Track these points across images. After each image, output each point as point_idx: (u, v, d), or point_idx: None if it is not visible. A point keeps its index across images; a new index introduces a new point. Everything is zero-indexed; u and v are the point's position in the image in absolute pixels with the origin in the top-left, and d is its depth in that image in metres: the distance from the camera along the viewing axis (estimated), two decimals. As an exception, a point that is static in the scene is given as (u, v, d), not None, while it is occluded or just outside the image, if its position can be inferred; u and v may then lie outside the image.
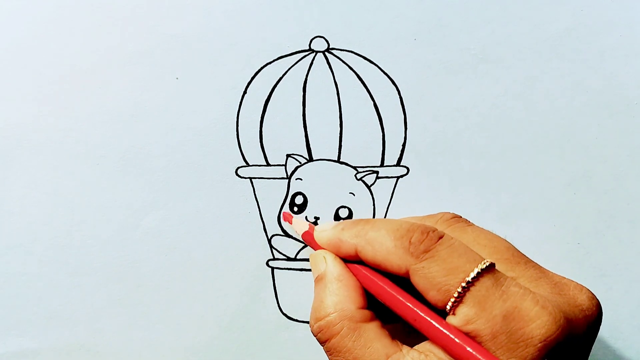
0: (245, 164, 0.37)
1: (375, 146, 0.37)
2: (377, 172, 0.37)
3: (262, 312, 0.38)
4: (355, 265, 0.30)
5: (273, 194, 0.38)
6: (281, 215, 0.38)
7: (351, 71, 0.37)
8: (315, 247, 0.33)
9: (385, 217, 0.38)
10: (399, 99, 0.37)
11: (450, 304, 0.26)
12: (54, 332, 0.38)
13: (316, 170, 0.37)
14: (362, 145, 0.37)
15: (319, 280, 0.31)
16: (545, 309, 0.25)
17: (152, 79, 0.37)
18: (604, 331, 0.38)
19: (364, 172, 0.37)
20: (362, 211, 0.38)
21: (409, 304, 0.27)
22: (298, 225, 0.35)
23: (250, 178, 0.37)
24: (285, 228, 0.38)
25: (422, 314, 0.27)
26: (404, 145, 0.37)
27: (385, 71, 0.37)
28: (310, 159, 0.37)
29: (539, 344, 0.25)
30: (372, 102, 0.37)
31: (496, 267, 0.27)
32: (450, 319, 0.26)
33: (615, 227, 0.37)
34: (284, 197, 0.38)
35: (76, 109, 0.37)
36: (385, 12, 0.37)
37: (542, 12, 0.37)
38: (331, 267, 0.31)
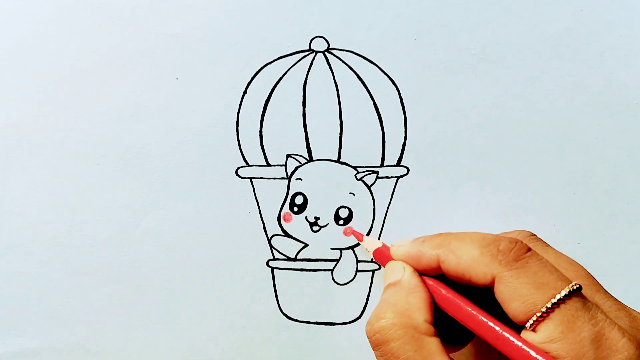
0: (245, 164, 0.37)
1: (375, 146, 0.37)
2: (377, 172, 0.37)
3: (262, 312, 0.38)
4: (433, 280, 0.30)
5: (273, 194, 0.38)
6: (281, 215, 0.38)
7: (351, 71, 0.37)
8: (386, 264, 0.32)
9: (385, 217, 0.38)
10: (399, 99, 0.37)
11: (534, 319, 0.25)
12: (54, 332, 0.38)
13: (316, 170, 0.37)
14: (362, 145, 0.37)
15: (391, 286, 0.30)
16: (632, 343, 0.25)
17: (152, 79, 0.37)
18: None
19: (364, 172, 0.37)
20: (362, 211, 0.38)
21: (487, 320, 0.27)
22: (369, 243, 0.35)
23: (250, 178, 0.37)
24: (285, 228, 0.38)
25: (501, 329, 0.26)
26: (404, 145, 0.37)
27: (385, 71, 0.37)
28: (310, 159, 0.37)
29: None
30: (372, 102, 0.37)
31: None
32: (530, 335, 0.26)
33: (615, 227, 0.37)
34: (284, 197, 0.38)
35: (76, 109, 0.37)
36: (385, 12, 0.37)
37: (542, 12, 0.37)
38: (408, 276, 0.30)
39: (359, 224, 0.38)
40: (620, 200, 0.37)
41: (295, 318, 0.38)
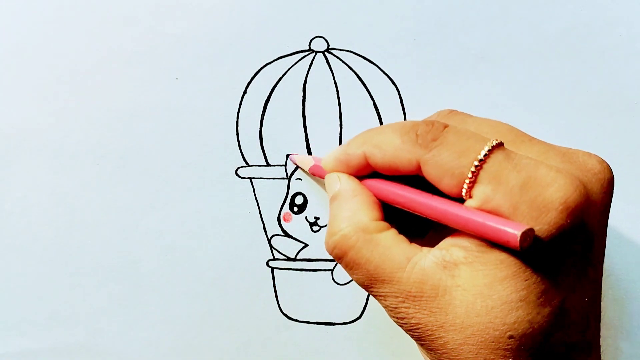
0: (245, 164, 0.37)
1: (375, 146, 0.37)
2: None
3: (262, 312, 0.38)
4: (369, 179, 0.30)
5: (273, 194, 0.38)
6: (281, 215, 0.38)
7: (351, 71, 0.37)
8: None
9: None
10: (399, 99, 0.37)
11: (465, 187, 0.26)
12: (54, 332, 0.38)
13: (316, 170, 0.37)
14: (362, 145, 0.37)
15: (333, 199, 0.30)
16: (560, 173, 0.25)
17: (152, 79, 0.37)
18: (604, 330, 0.38)
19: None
20: (362, 211, 0.38)
21: (424, 198, 0.27)
22: (302, 161, 0.35)
23: (250, 178, 0.38)
24: (285, 228, 0.38)
25: (438, 202, 0.26)
26: (404, 145, 0.37)
27: (385, 71, 0.37)
28: (310, 159, 0.37)
29: (560, 207, 0.24)
30: (372, 102, 0.37)
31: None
32: (468, 202, 0.26)
33: (615, 227, 0.37)
34: (284, 197, 0.38)
35: (76, 109, 0.37)
36: (385, 12, 0.37)
37: (542, 12, 0.37)
38: (344, 184, 0.30)
39: (359, 224, 0.38)
40: (620, 200, 0.37)
41: (295, 318, 0.38)
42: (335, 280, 0.38)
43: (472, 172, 0.25)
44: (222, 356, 0.38)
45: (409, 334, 0.27)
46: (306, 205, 0.38)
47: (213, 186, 0.38)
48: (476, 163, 0.25)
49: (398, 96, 0.37)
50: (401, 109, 0.37)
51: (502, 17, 0.37)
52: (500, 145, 0.26)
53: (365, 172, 0.30)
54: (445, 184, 0.26)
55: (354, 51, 0.37)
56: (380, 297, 0.28)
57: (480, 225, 0.25)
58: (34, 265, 0.38)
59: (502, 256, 0.25)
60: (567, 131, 0.37)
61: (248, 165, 0.37)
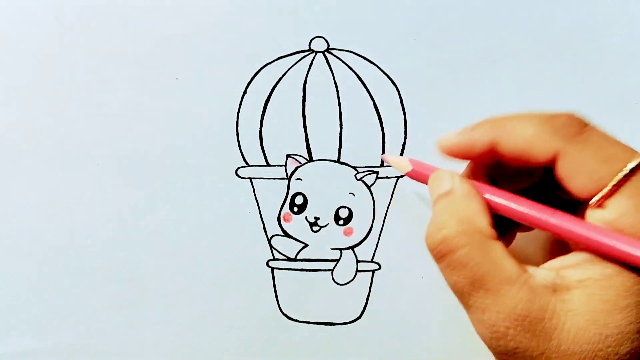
0: (245, 164, 0.37)
1: (375, 146, 0.37)
2: (377, 172, 0.37)
3: (262, 312, 0.38)
4: (486, 186, 0.28)
5: (273, 194, 0.38)
6: (281, 215, 0.38)
7: (351, 71, 0.37)
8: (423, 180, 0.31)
9: (385, 217, 0.38)
10: (399, 99, 0.37)
11: (601, 194, 0.24)
12: (54, 332, 0.38)
13: (316, 171, 0.37)
14: (362, 145, 0.37)
15: (442, 196, 0.28)
16: None
17: (152, 79, 0.37)
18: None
19: (364, 172, 0.37)
20: (362, 211, 0.38)
21: (550, 215, 0.25)
22: (396, 163, 0.33)
23: (250, 178, 0.38)
24: (285, 228, 0.38)
25: (567, 220, 0.25)
26: (403, 145, 0.37)
27: (385, 71, 0.37)
28: (310, 159, 0.37)
29: None
30: (372, 102, 0.37)
31: None
32: (597, 213, 0.24)
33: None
34: (284, 197, 0.38)
35: (76, 109, 0.37)
36: (385, 12, 0.37)
37: (542, 12, 0.37)
38: (459, 183, 0.28)
39: (359, 224, 0.38)
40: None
41: (295, 318, 0.38)
42: (335, 280, 0.38)
43: (618, 181, 0.24)
44: (222, 356, 0.38)
45: (501, 358, 0.25)
46: (306, 205, 0.38)
47: (213, 186, 0.38)
48: (624, 173, 0.24)
49: (398, 96, 0.37)
50: (401, 109, 0.37)
51: (502, 17, 0.37)
52: None
53: (486, 162, 0.28)
54: (578, 184, 0.25)
55: (354, 51, 0.37)
56: (478, 310, 0.25)
57: (612, 244, 0.23)
58: (34, 265, 0.38)
59: (628, 282, 0.23)
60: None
61: (248, 165, 0.37)
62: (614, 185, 0.24)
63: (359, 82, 0.37)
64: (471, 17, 0.37)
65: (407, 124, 0.37)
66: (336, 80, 0.37)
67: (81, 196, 0.38)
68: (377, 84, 0.37)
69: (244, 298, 0.38)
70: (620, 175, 0.24)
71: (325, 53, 0.37)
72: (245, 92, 0.37)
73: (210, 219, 0.38)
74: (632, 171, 0.24)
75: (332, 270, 0.38)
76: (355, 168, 0.37)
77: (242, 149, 0.37)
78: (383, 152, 0.37)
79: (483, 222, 0.26)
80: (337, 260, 0.38)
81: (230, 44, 0.37)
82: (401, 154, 0.37)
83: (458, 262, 0.25)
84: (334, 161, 0.37)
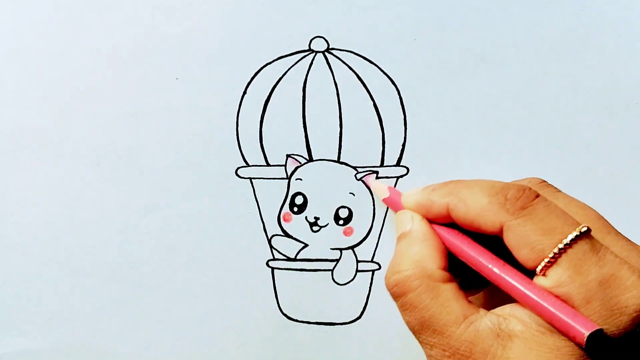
0: (245, 164, 0.37)
1: (375, 146, 0.37)
2: (377, 172, 0.37)
3: (262, 312, 0.38)
4: (442, 227, 0.30)
5: (273, 194, 0.38)
6: (281, 215, 0.38)
7: (351, 71, 0.37)
8: (397, 210, 0.33)
9: (385, 217, 0.38)
10: (399, 99, 0.37)
11: (542, 264, 0.25)
12: (54, 332, 0.38)
13: (316, 171, 0.37)
14: (362, 145, 0.37)
15: (402, 237, 0.30)
16: None
17: (152, 79, 0.37)
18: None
19: (364, 172, 0.37)
20: (362, 211, 0.38)
21: (496, 266, 0.27)
22: (378, 189, 0.35)
23: (250, 178, 0.38)
24: (285, 228, 0.38)
25: (510, 275, 0.26)
26: (403, 145, 0.37)
27: (385, 71, 0.37)
28: (310, 159, 0.37)
29: (634, 314, 0.24)
30: (372, 102, 0.37)
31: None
32: (540, 280, 0.26)
33: (615, 227, 0.37)
34: (284, 197, 0.38)
35: (76, 109, 0.37)
36: (385, 12, 0.37)
37: (542, 12, 0.37)
38: (417, 225, 0.30)
39: (359, 224, 0.38)
40: (620, 200, 0.37)
41: (295, 318, 0.38)
42: (335, 280, 0.38)
43: (555, 254, 0.25)
44: (222, 356, 0.38)
45: None
46: (306, 205, 0.38)
47: (213, 186, 0.38)
48: (561, 246, 0.25)
49: (398, 96, 0.37)
50: (401, 109, 0.37)
51: (502, 17, 0.37)
52: (588, 232, 0.26)
53: (443, 222, 0.30)
54: (522, 255, 0.26)
55: (354, 51, 0.37)
56: (427, 345, 0.28)
57: (548, 310, 0.25)
58: (34, 265, 0.38)
59: (560, 344, 0.25)
60: (567, 131, 0.37)
61: (248, 165, 0.37)
62: (552, 257, 0.25)
63: (359, 82, 0.37)
64: (471, 17, 0.37)
65: (407, 124, 0.37)
66: (336, 80, 0.37)
67: (81, 196, 0.38)
68: (377, 84, 0.37)
69: (244, 298, 0.38)
70: (558, 247, 0.25)
71: (325, 53, 0.37)
72: (245, 92, 0.37)
73: (210, 219, 0.38)
74: (570, 244, 0.25)
75: (332, 270, 0.38)
76: (355, 168, 0.37)
77: (242, 149, 0.37)
78: (383, 152, 0.37)
79: (434, 265, 0.29)
80: (337, 260, 0.38)
81: (230, 44, 0.37)
82: (401, 154, 0.37)
83: (409, 303, 0.28)
84: (334, 161, 0.37)
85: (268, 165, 0.37)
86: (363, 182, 0.37)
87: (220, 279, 0.38)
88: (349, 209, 0.38)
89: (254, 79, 0.37)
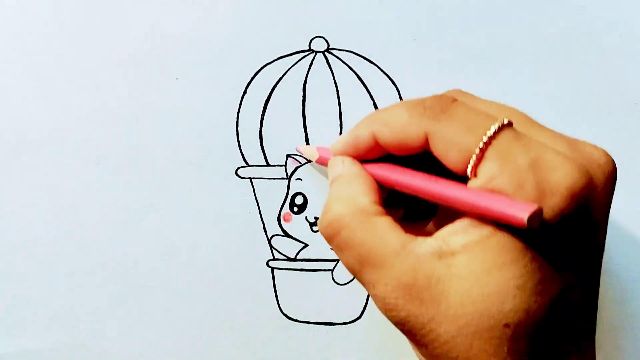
0: (245, 164, 0.37)
1: (375, 146, 0.37)
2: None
3: (262, 312, 0.38)
4: (372, 164, 0.30)
5: (273, 194, 0.38)
6: (281, 215, 0.38)
7: (351, 71, 0.37)
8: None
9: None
10: (399, 99, 0.37)
11: (471, 163, 0.25)
12: (54, 332, 0.38)
13: (316, 171, 0.37)
14: (362, 145, 0.37)
15: (333, 181, 0.30)
16: (567, 159, 0.24)
17: (152, 79, 0.37)
18: (604, 330, 0.38)
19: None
20: (362, 211, 0.38)
21: (429, 183, 0.27)
22: (307, 152, 0.35)
23: (250, 178, 0.38)
24: (285, 228, 0.38)
25: (443, 186, 0.26)
26: (404, 145, 0.37)
27: (385, 71, 0.37)
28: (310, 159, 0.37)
29: (566, 192, 0.24)
30: (372, 102, 0.37)
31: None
32: (473, 182, 0.25)
33: (615, 227, 0.37)
34: (284, 197, 0.38)
35: (76, 109, 0.37)
36: (385, 12, 0.37)
37: (542, 12, 0.37)
38: (348, 166, 0.30)
39: (359, 224, 0.38)
40: (620, 200, 0.37)
41: (295, 318, 0.38)
42: (335, 280, 0.38)
43: (480, 148, 0.25)
44: (222, 356, 0.38)
45: (399, 329, 0.26)
46: (306, 205, 0.38)
47: (213, 186, 0.38)
48: (485, 139, 0.25)
49: (398, 96, 0.37)
50: (401, 109, 0.37)
51: (502, 17, 0.37)
52: (509, 124, 0.25)
53: (376, 155, 0.29)
54: (451, 159, 0.26)
55: (354, 51, 0.37)
56: (369, 285, 0.26)
57: (486, 208, 0.24)
58: (34, 265, 0.38)
59: (502, 241, 0.24)
60: (567, 131, 0.37)
61: (248, 165, 0.37)
62: (479, 153, 0.25)
63: (359, 82, 0.37)
64: (471, 17, 0.37)
65: (407, 124, 0.37)
66: (336, 80, 0.37)
67: (81, 196, 0.38)
68: (377, 84, 0.37)
69: (244, 298, 0.38)
70: (482, 141, 0.25)
71: (325, 53, 0.37)
72: (245, 92, 0.37)
73: (210, 219, 0.38)
74: (493, 135, 0.25)
75: (332, 270, 0.38)
76: (355, 168, 0.37)
77: (242, 149, 0.37)
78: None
79: (365, 199, 0.27)
80: (337, 260, 0.38)
81: (230, 44, 0.37)
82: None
83: (344, 242, 0.27)
84: (334, 161, 0.37)
85: (268, 165, 0.37)
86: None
87: (220, 279, 0.38)
88: (349, 209, 0.38)
89: (254, 79, 0.37)
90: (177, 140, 0.37)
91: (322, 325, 0.38)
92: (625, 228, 0.38)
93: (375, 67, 0.37)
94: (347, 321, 0.38)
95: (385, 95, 0.37)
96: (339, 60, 0.37)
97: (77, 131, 0.37)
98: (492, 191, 0.24)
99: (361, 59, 0.37)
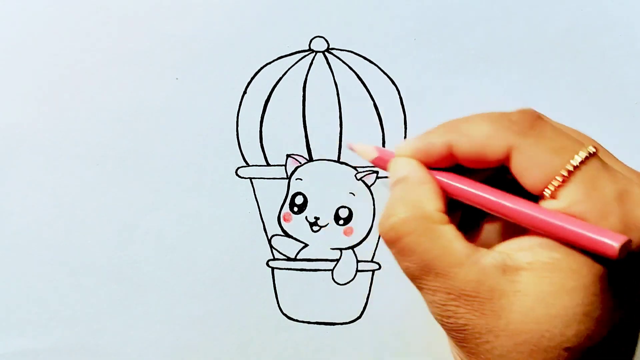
0: (245, 164, 0.37)
1: (375, 146, 0.37)
2: (377, 172, 0.37)
3: (262, 312, 0.38)
4: (441, 172, 0.28)
5: (273, 194, 0.38)
6: (281, 215, 0.38)
7: (351, 71, 0.37)
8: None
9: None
10: (398, 99, 0.37)
11: (553, 185, 0.24)
12: (54, 332, 0.38)
13: (316, 170, 0.37)
14: (362, 145, 0.37)
15: (398, 182, 0.28)
16: None
17: (152, 79, 0.37)
18: (604, 331, 0.38)
19: (364, 172, 0.37)
20: (362, 211, 0.38)
21: (503, 198, 0.26)
22: (363, 151, 0.32)
23: (250, 178, 0.38)
24: (285, 228, 0.38)
25: (519, 204, 0.25)
26: (404, 145, 0.37)
27: (385, 71, 0.37)
28: (310, 159, 0.37)
29: None
30: (372, 102, 0.37)
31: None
32: (550, 203, 0.25)
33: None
34: (284, 197, 0.38)
35: (76, 109, 0.37)
36: (385, 12, 0.37)
37: (542, 12, 0.37)
38: (414, 168, 0.28)
39: (359, 224, 0.38)
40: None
41: (295, 318, 0.38)
42: (335, 280, 0.38)
43: (568, 171, 0.24)
44: (222, 356, 0.38)
45: (452, 335, 0.26)
46: (306, 205, 0.38)
47: (213, 186, 0.38)
48: (575, 163, 0.24)
49: (398, 96, 0.37)
50: (401, 109, 0.37)
51: (502, 17, 0.37)
52: (596, 153, 0.25)
53: (444, 165, 0.28)
54: (531, 177, 0.25)
55: (354, 51, 0.37)
56: (429, 291, 0.26)
57: (571, 231, 0.24)
58: (34, 265, 0.38)
59: (575, 266, 0.24)
60: (567, 131, 0.37)
61: (248, 165, 0.37)
62: (565, 176, 0.24)
63: (359, 82, 0.37)
64: (471, 17, 0.37)
65: (407, 124, 0.37)
66: (336, 80, 0.37)
67: (81, 196, 0.38)
68: (377, 84, 0.37)
69: (244, 298, 0.38)
70: (570, 165, 0.24)
71: (325, 53, 0.37)
72: (245, 92, 0.37)
73: (210, 219, 0.38)
74: (582, 161, 0.24)
75: (332, 270, 0.38)
76: (355, 168, 0.37)
77: (242, 149, 0.37)
78: (383, 152, 0.37)
79: (432, 206, 0.27)
80: (337, 260, 0.38)
81: (230, 44, 0.37)
82: (401, 154, 0.37)
83: (407, 248, 0.26)
84: (334, 161, 0.37)
85: (268, 165, 0.37)
86: (363, 180, 0.37)
87: (220, 279, 0.38)
88: (349, 209, 0.38)
89: (254, 79, 0.37)
90: (177, 140, 0.37)
91: (322, 325, 0.38)
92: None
93: (375, 67, 0.37)
94: (347, 321, 0.38)
95: (385, 95, 0.37)
96: (339, 60, 0.37)
97: (77, 131, 0.37)
98: (575, 217, 0.24)
99: (361, 59, 0.37)
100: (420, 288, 0.27)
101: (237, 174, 0.38)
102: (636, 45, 0.37)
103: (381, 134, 0.37)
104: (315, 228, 0.38)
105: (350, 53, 0.37)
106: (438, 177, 0.28)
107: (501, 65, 0.37)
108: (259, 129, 0.37)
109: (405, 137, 0.37)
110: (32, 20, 0.37)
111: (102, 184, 0.38)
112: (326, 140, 0.37)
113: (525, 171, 0.25)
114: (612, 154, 0.28)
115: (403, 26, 0.37)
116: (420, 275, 0.26)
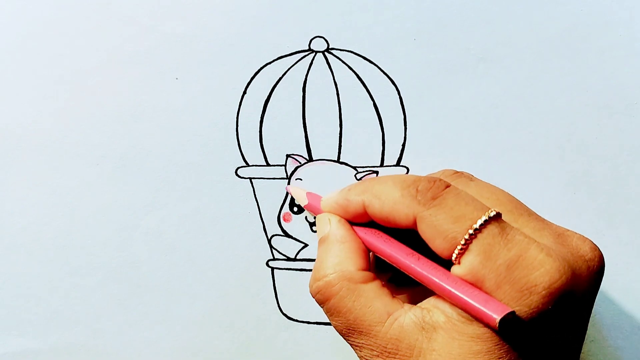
0: (245, 164, 0.37)
1: (375, 146, 0.37)
2: (377, 172, 0.37)
3: (262, 312, 0.38)
4: (361, 228, 0.30)
5: (273, 194, 0.38)
6: (281, 215, 0.38)
7: (351, 71, 0.37)
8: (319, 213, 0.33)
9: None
10: (398, 99, 0.37)
11: (456, 252, 0.26)
12: (54, 332, 0.38)
13: (316, 170, 0.37)
14: (362, 145, 0.37)
15: (321, 242, 0.30)
16: (549, 257, 0.25)
17: (152, 79, 0.37)
18: (604, 330, 0.38)
19: (363, 172, 0.37)
20: (362, 211, 0.38)
21: (411, 260, 0.27)
22: (298, 195, 0.35)
23: (250, 178, 0.38)
24: (285, 228, 0.38)
25: (424, 267, 0.27)
26: (403, 145, 0.37)
27: (385, 71, 0.37)
28: (310, 159, 0.37)
29: (543, 292, 0.24)
30: (372, 102, 0.37)
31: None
32: (455, 269, 0.26)
33: (615, 227, 0.37)
34: (283, 197, 0.38)
35: (76, 109, 0.37)
36: (385, 12, 0.37)
37: (542, 12, 0.37)
38: (335, 229, 0.30)
39: (359, 224, 0.38)
40: (620, 200, 0.37)
41: (295, 318, 0.38)
42: (335, 280, 0.38)
43: (466, 240, 0.25)
44: (222, 356, 0.38)
45: None
46: (306, 205, 0.38)
47: (213, 186, 0.38)
48: (471, 232, 0.25)
49: (398, 96, 0.37)
50: (401, 109, 0.37)
51: (502, 17, 0.37)
52: (497, 216, 0.26)
53: (363, 220, 0.30)
54: (437, 245, 0.26)
55: (354, 51, 0.37)
56: (356, 347, 0.28)
57: (462, 299, 0.25)
58: (34, 265, 0.38)
59: (479, 331, 0.25)
60: (567, 131, 0.37)
61: (248, 165, 0.37)
62: (464, 244, 0.25)
63: (359, 82, 0.37)
64: (471, 17, 0.37)
65: (407, 124, 0.37)
66: (336, 80, 0.37)
67: (81, 196, 0.38)
68: (377, 84, 0.37)
69: (244, 298, 0.38)
70: (469, 233, 0.25)
71: (325, 53, 0.37)
72: (245, 92, 0.37)
73: (210, 219, 0.38)
74: (479, 228, 0.25)
75: (332, 270, 0.38)
76: (355, 168, 0.37)
77: (242, 149, 0.37)
78: (383, 152, 0.37)
79: (353, 266, 0.29)
80: (337, 260, 0.38)
81: (230, 44, 0.37)
82: (401, 154, 0.37)
83: (333, 309, 0.28)
84: (334, 161, 0.37)
85: (268, 165, 0.37)
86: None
87: (220, 279, 0.38)
88: (349, 209, 0.38)
89: (254, 79, 0.37)
90: (177, 140, 0.37)
91: (322, 325, 0.38)
92: (625, 228, 0.38)
93: (375, 67, 0.37)
94: (347, 321, 0.38)
95: (385, 95, 0.37)
96: (339, 60, 0.37)
97: (77, 131, 0.37)
98: (472, 285, 0.25)
99: (361, 59, 0.37)
100: (350, 344, 0.29)
101: (237, 174, 0.38)
102: (636, 45, 0.37)
103: (381, 134, 0.37)
104: (315, 228, 0.38)
105: (350, 53, 0.37)
106: (358, 233, 0.30)
107: (501, 65, 0.37)
108: (258, 129, 0.37)
109: (405, 137, 0.37)
110: (32, 20, 0.37)
111: (102, 184, 0.38)
112: (326, 140, 0.37)
113: (430, 239, 0.27)
114: (526, 209, 0.29)
115: (403, 26, 0.37)
116: (347, 333, 0.28)
